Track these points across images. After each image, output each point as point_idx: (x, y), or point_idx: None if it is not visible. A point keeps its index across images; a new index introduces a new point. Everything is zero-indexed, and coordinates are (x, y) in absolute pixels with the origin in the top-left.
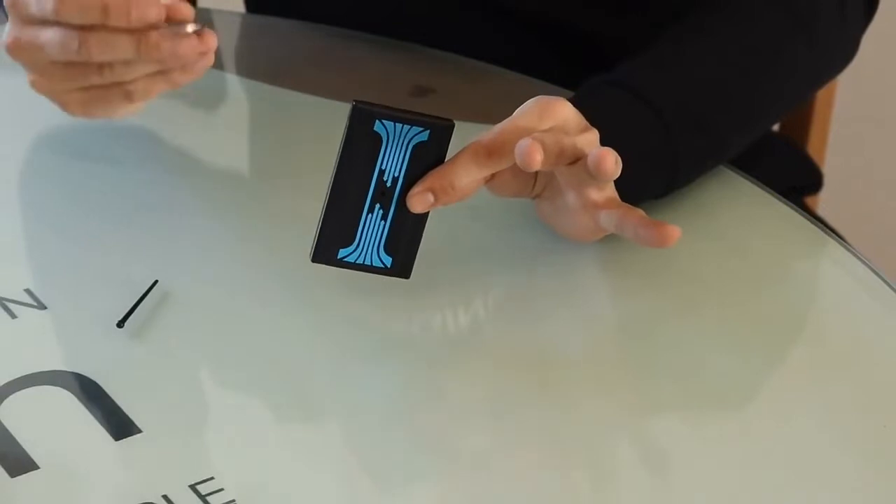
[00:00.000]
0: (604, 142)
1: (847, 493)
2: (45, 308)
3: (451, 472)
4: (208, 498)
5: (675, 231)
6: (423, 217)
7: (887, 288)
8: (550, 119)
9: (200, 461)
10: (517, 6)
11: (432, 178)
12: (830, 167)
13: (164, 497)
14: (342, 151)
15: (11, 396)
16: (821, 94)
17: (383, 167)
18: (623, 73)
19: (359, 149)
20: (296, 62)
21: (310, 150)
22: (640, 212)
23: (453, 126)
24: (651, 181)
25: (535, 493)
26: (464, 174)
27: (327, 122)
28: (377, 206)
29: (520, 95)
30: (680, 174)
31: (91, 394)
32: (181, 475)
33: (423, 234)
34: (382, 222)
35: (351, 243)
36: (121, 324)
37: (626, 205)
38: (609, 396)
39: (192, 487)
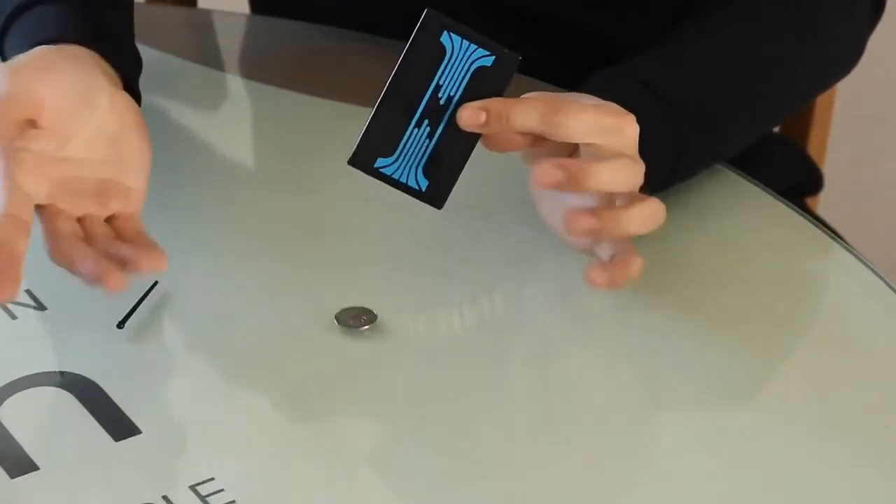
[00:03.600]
0: None
1: (848, 495)
2: (45, 309)
3: (453, 471)
4: (208, 498)
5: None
6: (468, 147)
7: (887, 288)
8: (615, 138)
9: (200, 462)
10: (517, 6)
11: (491, 101)
12: (830, 167)
13: (165, 498)
14: (403, 56)
15: (11, 397)
16: (821, 95)
17: (441, 82)
18: (633, 66)
19: (421, 57)
20: (296, 62)
21: (310, 151)
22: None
23: (519, 59)
24: (651, 175)
25: (535, 492)
26: (524, 114)
27: (327, 122)
28: (426, 121)
29: (519, 95)
30: (679, 170)
31: (91, 394)
32: (181, 476)
33: (464, 170)
34: (427, 141)
35: (391, 154)
36: (121, 325)
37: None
38: (608, 396)
39: (193, 488)
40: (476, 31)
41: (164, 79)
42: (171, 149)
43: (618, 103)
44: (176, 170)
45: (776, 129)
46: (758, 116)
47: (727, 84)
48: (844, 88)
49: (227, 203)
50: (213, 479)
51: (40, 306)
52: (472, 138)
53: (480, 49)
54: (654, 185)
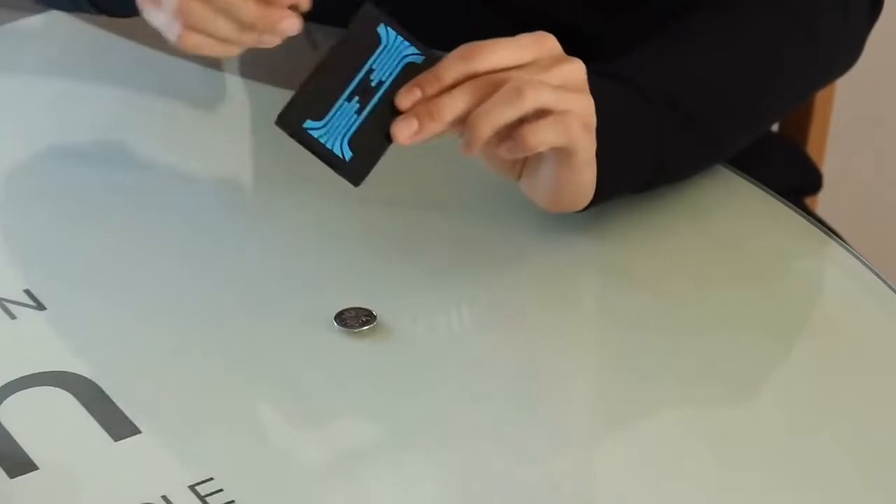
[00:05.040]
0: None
1: (847, 494)
2: (45, 309)
3: (451, 471)
4: (207, 499)
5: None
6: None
7: (887, 289)
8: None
9: (200, 462)
10: (517, 6)
11: (417, 77)
12: (830, 167)
13: (164, 498)
14: (341, 38)
15: (11, 397)
16: (820, 94)
17: (373, 66)
18: (616, 65)
19: (357, 42)
20: (296, 62)
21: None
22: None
23: None
24: (634, 169)
25: (535, 492)
26: (450, 67)
27: None
28: (356, 98)
29: None
30: (666, 165)
31: (90, 394)
32: (180, 476)
33: (386, 152)
34: (356, 116)
35: (321, 119)
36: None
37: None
38: (606, 396)
39: (192, 488)
40: (411, 34)
41: (164, 79)
42: (169, 149)
43: (595, 99)
44: (175, 170)
45: (775, 129)
46: (748, 114)
47: (714, 80)
48: (844, 88)
49: (227, 203)
50: (212, 478)
51: (40, 306)
52: None
53: (412, 46)
54: (640, 180)
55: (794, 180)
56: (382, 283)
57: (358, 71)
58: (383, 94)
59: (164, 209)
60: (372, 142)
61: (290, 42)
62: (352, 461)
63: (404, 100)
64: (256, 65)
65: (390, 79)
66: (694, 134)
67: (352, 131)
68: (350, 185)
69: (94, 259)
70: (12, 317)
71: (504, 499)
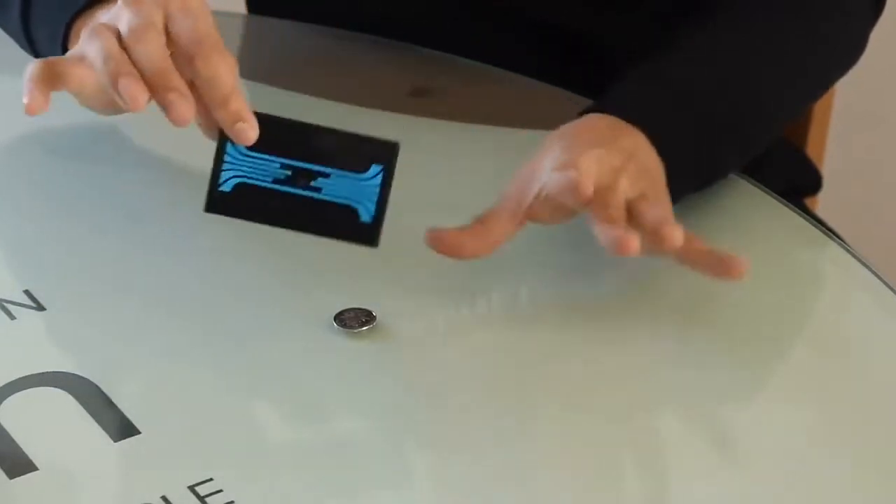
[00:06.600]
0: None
1: (847, 494)
2: (45, 309)
3: (452, 472)
4: (207, 499)
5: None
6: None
7: (886, 289)
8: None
9: (199, 462)
10: (516, 7)
11: (465, 233)
12: (830, 167)
13: (163, 498)
14: (351, 132)
15: (10, 398)
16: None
17: (333, 175)
18: (656, 67)
19: (353, 149)
20: (296, 62)
21: None
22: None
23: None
24: (678, 180)
25: (536, 492)
26: (500, 230)
27: (325, 122)
28: (289, 171)
29: (519, 96)
30: (704, 176)
31: (90, 395)
32: (180, 476)
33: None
34: (268, 179)
35: (246, 147)
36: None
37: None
38: (607, 396)
39: (191, 488)
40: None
41: None
42: (170, 149)
43: (644, 112)
44: (175, 170)
45: None
46: (774, 114)
47: (741, 83)
48: (843, 89)
49: None
50: (211, 479)
51: (39, 307)
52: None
53: (374, 204)
54: (681, 191)
55: (794, 180)
56: (382, 284)
57: (324, 165)
58: (306, 196)
59: (164, 209)
60: (254, 203)
61: (289, 43)
62: (351, 461)
63: (437, 243)
64: (255, 65)
65: (328, 196)
66: (735, 140)
67: (250, 181)
68: None
69: (94, 259)
70: (12, 317)
71: (505, 498)
